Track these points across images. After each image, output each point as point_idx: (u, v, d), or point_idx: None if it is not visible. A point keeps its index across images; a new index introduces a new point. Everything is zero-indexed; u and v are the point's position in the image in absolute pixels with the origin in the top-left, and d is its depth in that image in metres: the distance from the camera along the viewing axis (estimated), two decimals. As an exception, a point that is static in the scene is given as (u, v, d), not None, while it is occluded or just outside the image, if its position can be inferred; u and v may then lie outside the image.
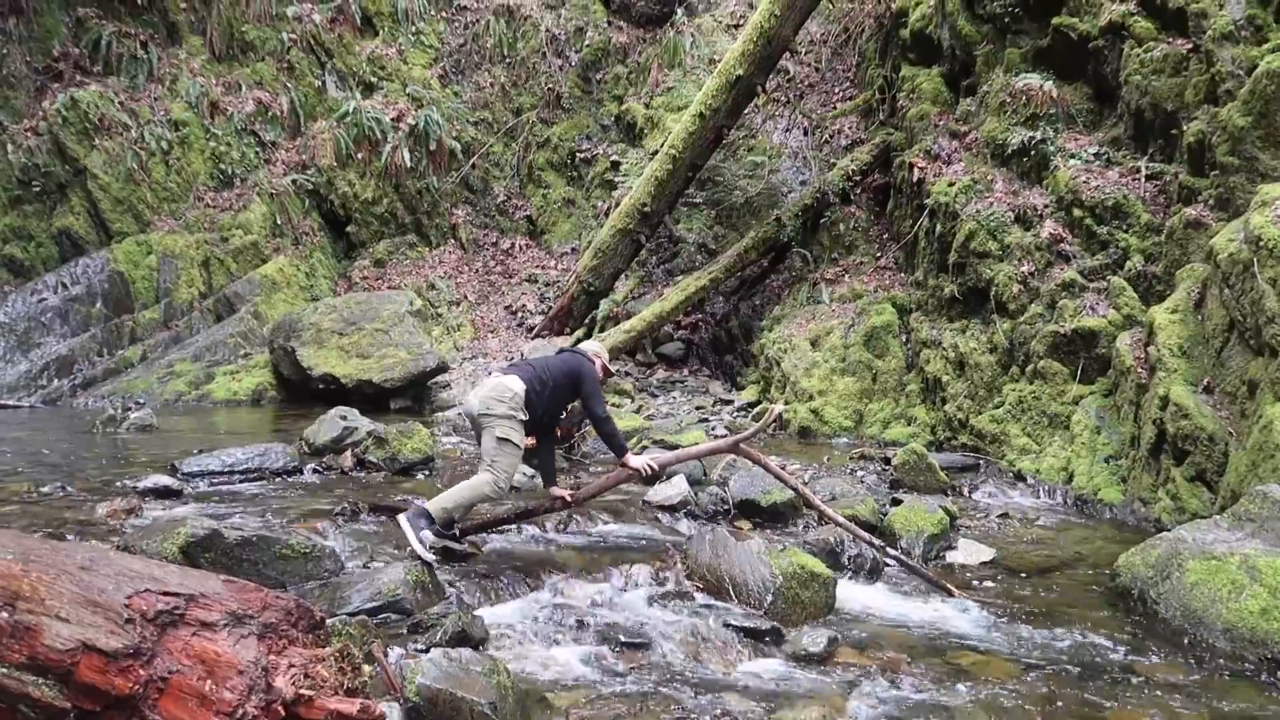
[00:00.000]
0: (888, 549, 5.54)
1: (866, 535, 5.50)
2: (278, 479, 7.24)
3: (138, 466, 7.43)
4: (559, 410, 5.69)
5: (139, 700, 2.84)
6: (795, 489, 5.79)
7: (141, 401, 11.52)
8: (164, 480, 6.63)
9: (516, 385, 5.24)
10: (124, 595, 2.96)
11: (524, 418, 5.25)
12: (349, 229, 15.99)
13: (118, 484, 6.65)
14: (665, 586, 5.29)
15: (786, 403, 10.95)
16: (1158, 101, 8.86)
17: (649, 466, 5.55)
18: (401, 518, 5.05)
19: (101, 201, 13.89)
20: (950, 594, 5.27)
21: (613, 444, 5.56)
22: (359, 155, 15.68)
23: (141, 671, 2.85)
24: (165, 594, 3.01)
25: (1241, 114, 7.56)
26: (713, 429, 10.19)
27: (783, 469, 8.04)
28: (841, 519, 5.63)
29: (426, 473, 7.75)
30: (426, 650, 3.87)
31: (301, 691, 2.96)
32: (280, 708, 2.91)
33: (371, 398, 11.46)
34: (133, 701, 2.83)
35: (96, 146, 13.90)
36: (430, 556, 4.92)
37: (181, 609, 3.00)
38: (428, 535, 4.96)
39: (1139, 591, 5.24)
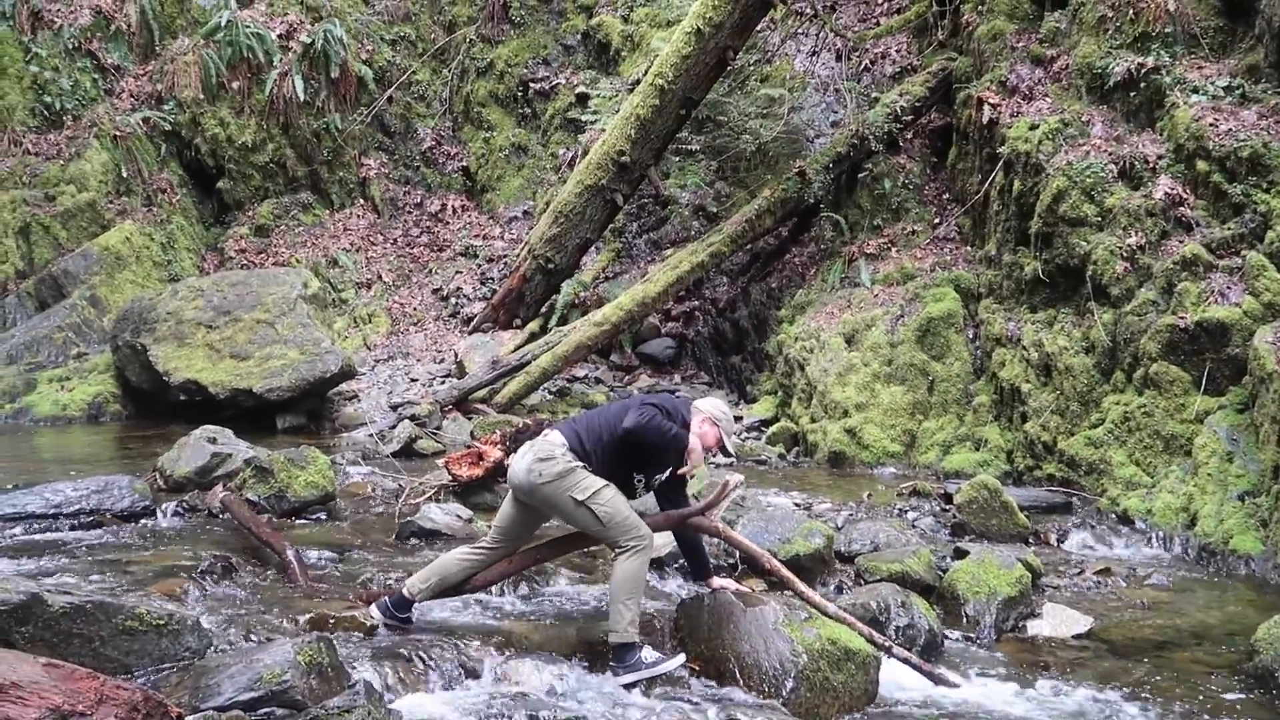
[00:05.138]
0: (893, 648, 5.42)
1: (864, 629, 5.38)
2: (123, 524, 7.15)
3: (-72, 508, 7.33)
4: (651, 467, 5.61)
5: (-74, 828, 2.80)
6: (784, 577, 5.69)
7: (-64, 419, 11.39)
8: (-37, 527, 6.56)
9: (556, 438, 5.36)
10: (-96, 685, 2.91)
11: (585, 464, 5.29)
12: (221, 184, 15.91)
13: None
14: (649, 669, 5.27)
15: (814, 419, 10.97)
16: (1308, 17, 8.95)
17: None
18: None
19: (-119, 146, 13.76)
20: (954, 686, 5.29)
21: None
22: (234, 85, 15.56)
23: (-70, 789, 2.80)
24: (-37, 682, 2.97)
25: None
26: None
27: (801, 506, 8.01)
28: (825, 604, 5.54)
29: (324, 515, 7.70)
30: (323, 757, 3.85)
31: (151, 814, 2.93)
32: (122, 837, 2.88)
33: (251, 413, 11.38)
34: (-83, 830, 2.79)
35: (-126, 71, 13.80)
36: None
37: (-14, 703, 2.96)
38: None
39: (1284, 673, 5.28)
